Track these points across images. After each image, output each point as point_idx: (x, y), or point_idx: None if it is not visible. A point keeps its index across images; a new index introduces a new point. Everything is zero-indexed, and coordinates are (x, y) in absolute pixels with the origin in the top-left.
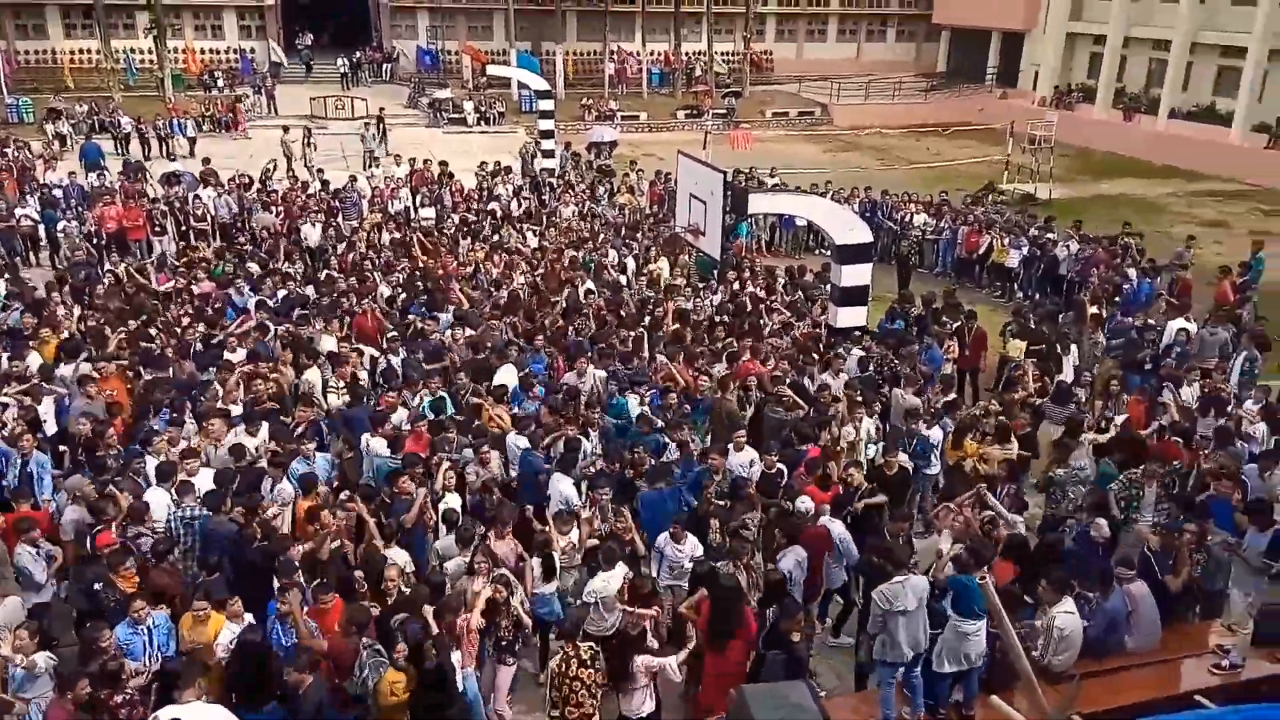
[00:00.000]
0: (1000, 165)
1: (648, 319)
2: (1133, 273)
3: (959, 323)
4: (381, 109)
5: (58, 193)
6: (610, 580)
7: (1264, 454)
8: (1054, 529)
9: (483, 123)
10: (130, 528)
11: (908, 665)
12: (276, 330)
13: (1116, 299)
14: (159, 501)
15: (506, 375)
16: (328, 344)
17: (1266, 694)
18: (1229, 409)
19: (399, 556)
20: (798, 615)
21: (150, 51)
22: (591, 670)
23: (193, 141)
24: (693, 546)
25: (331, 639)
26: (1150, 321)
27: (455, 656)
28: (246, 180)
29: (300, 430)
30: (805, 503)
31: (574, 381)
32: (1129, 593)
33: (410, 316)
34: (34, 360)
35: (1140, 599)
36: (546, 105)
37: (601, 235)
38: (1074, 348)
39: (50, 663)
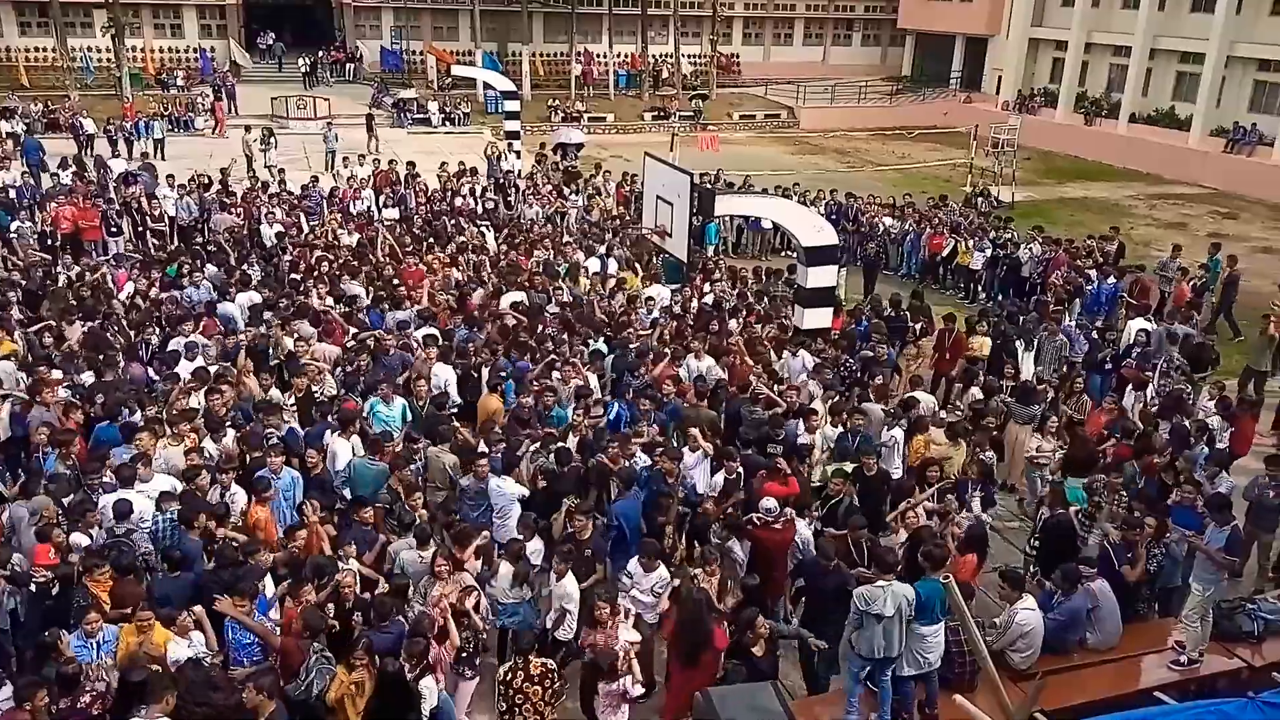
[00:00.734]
0: (964, 169)
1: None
2: (1094, 274)
3: (921, 323)
4: (330, 117)
5: (11, 193)
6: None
7: (1208, 458)
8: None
9: (448, 123)
10: (119, 524)
11: (877, 666)
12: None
13: (1078, 300)
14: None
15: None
16: (287, 345)
17: (1224, 689)
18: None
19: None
20: (757, 623)
21: (108, 50)
22: (539, 688)
23: (159, 143)
24: (660, 578)
25: (284, 638)
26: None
27: (429, 681)
28: (205, 180)
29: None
30: (769, 503)
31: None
32: (1091, 590)
33: (368, 320)
34: None
35: (1102, 596)
36: (512, 106)
37: (569, 238)
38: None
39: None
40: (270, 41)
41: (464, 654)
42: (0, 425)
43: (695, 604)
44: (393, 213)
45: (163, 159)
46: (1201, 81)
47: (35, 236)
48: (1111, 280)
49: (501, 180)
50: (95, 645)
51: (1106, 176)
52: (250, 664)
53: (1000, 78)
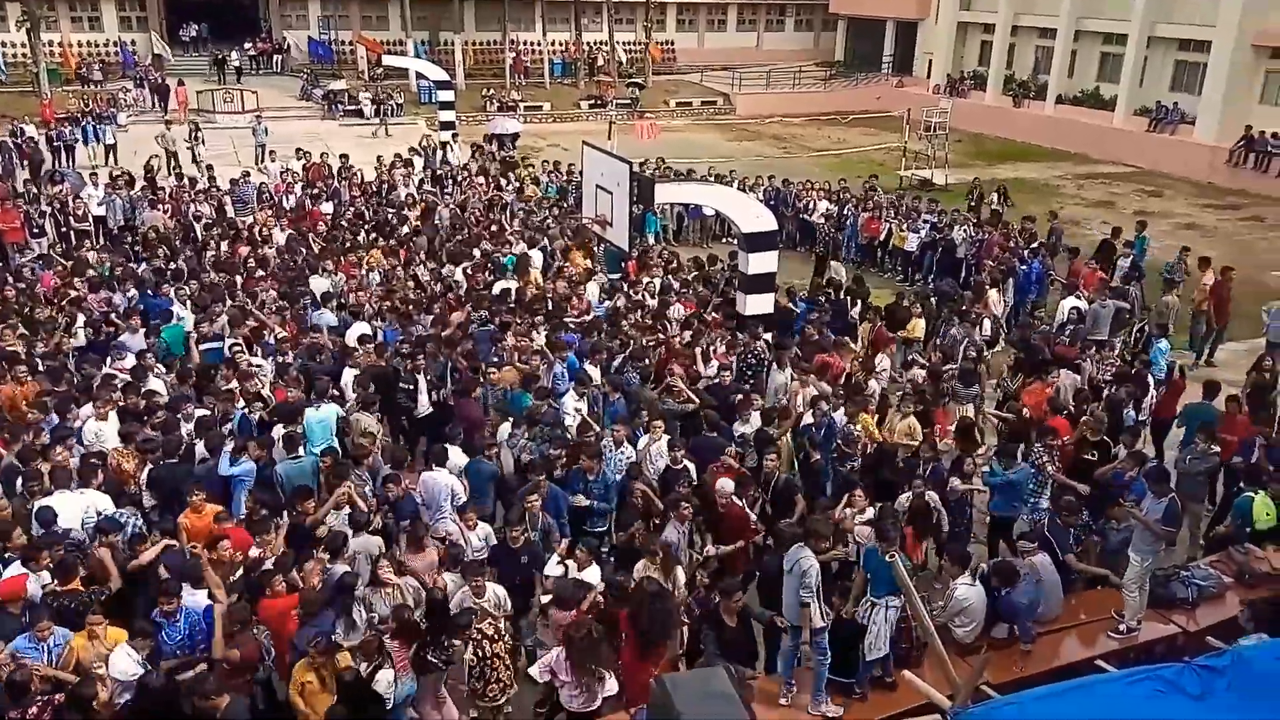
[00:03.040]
0: (899, 152)
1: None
2: (1025, 255)
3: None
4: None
5: None
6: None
7: (1127, 428)
8: None
9: (380, 114)
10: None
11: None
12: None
13: (1010, 280)
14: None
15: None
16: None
17: (1162, 654)
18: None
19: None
20: (735, 595)
21: (24, 45)
22: (501, 642)
23: (111, 149)
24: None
25: (242, 646)
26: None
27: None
28: (129, 178)
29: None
30: (727, 485)
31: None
32: (1033, 564)
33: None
34: None
35: (1044, 569)
36: (446, 96)
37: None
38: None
39: None
40: (194, 34)
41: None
42: None
43: (654, 596)
44: (327, 207)
45: (114, 162)
46: (1124, 62)
47: None
48: (1039, 260)
49: (439, 172)
50: (45, 650)
51: (1036, 157)
52: (177, 655)
53: (931, 61)
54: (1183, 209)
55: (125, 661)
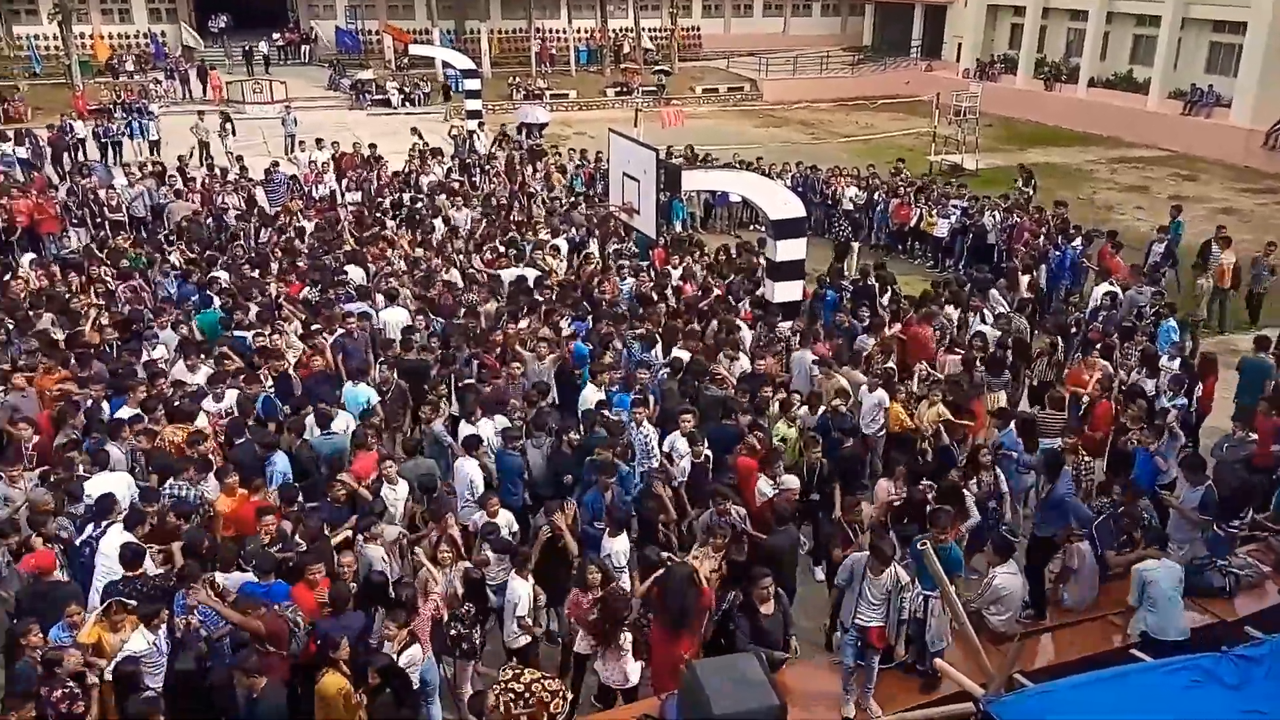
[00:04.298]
0: (928, 137)
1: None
2: (1059, 240)
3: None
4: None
5: None
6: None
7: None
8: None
9: (408, 104)
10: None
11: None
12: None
13: (1042, 266)
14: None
15: None
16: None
17: (1198, 644)
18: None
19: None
20: (761, 581)
21: (56, 38)
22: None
23: (155, 144)
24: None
25: (262, 620)
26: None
27: (412, 652)
28: (160, 169)
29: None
30: (765, 487)
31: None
32: (1076, 550)
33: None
34: None
35: (1084, 556)
36: (473, 85)
37: (537, 217)
38: (985, 313)
39: None
40: (222, 25)
41: (457, 632)
42: None
43: (682, 580)
44: (356, 196)
45: (158, 156)
46: (1158, 44)
47: None
48: (1077, 244)
49: (468, 160)
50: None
51: (1067, 141)
52: (215, 631)
53: (960, 45)
54: (1219, 193)
55: (139, 642)
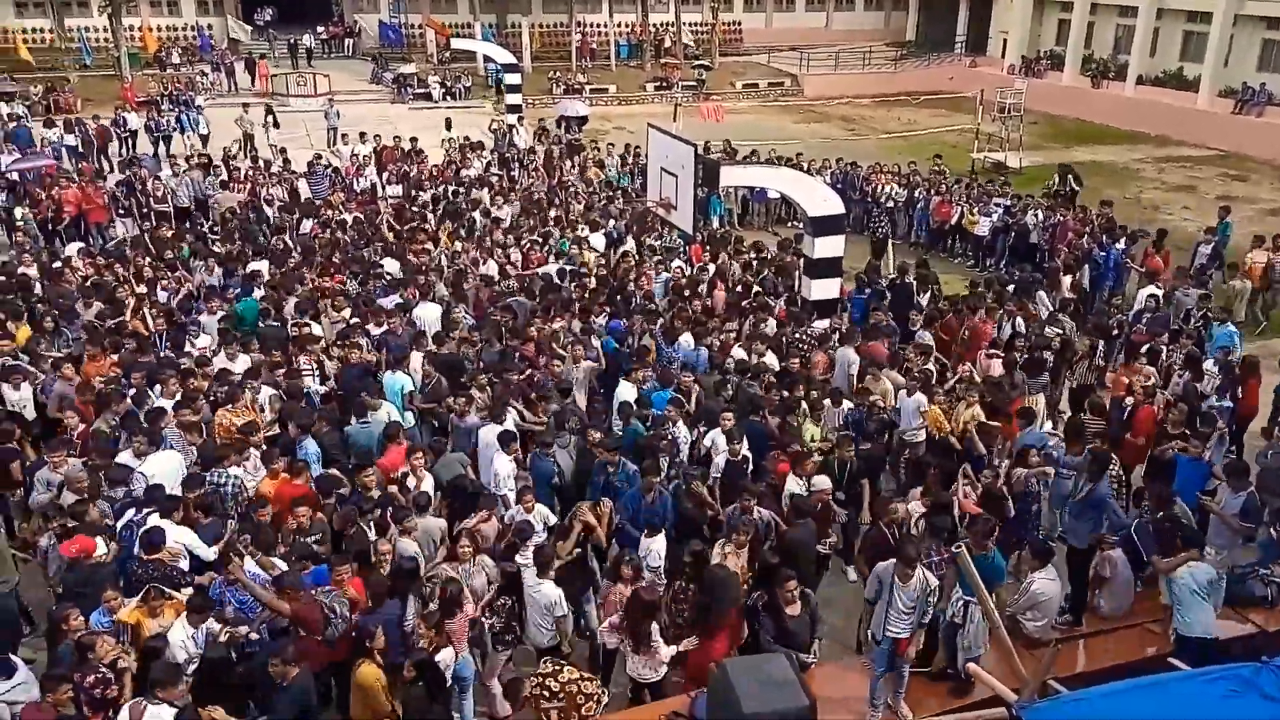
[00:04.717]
0: (971, 134)
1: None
2: (1103, 240)
3: (930, 291)
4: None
5: (14, 176)
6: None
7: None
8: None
9: (449, 98)
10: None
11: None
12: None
13: (1086, 266)
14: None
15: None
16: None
17: (1238, 654)
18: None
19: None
20: (787, 584)
21: (106, 30)
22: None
23: (205, 138)
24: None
25: (294, 604)
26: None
27: (446, 652)
28: (205, 161)
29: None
30: (824, 481)
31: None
32: (1109, 559)
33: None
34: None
35: (1116, 564)
36: (513, 79)
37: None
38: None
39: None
40: (268, 18)
41: (495, 625)
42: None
43: (718, 581)
44: (397, 189)
45: (206, 148)
46: (1209, 41)
47: (34, 222)
48: (1119, 245)
49: (507, 154)
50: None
51: (1114, 139)
52: (249, 618)
53: (1005, 41)
54: (1268, 194)
55: (180, 634)
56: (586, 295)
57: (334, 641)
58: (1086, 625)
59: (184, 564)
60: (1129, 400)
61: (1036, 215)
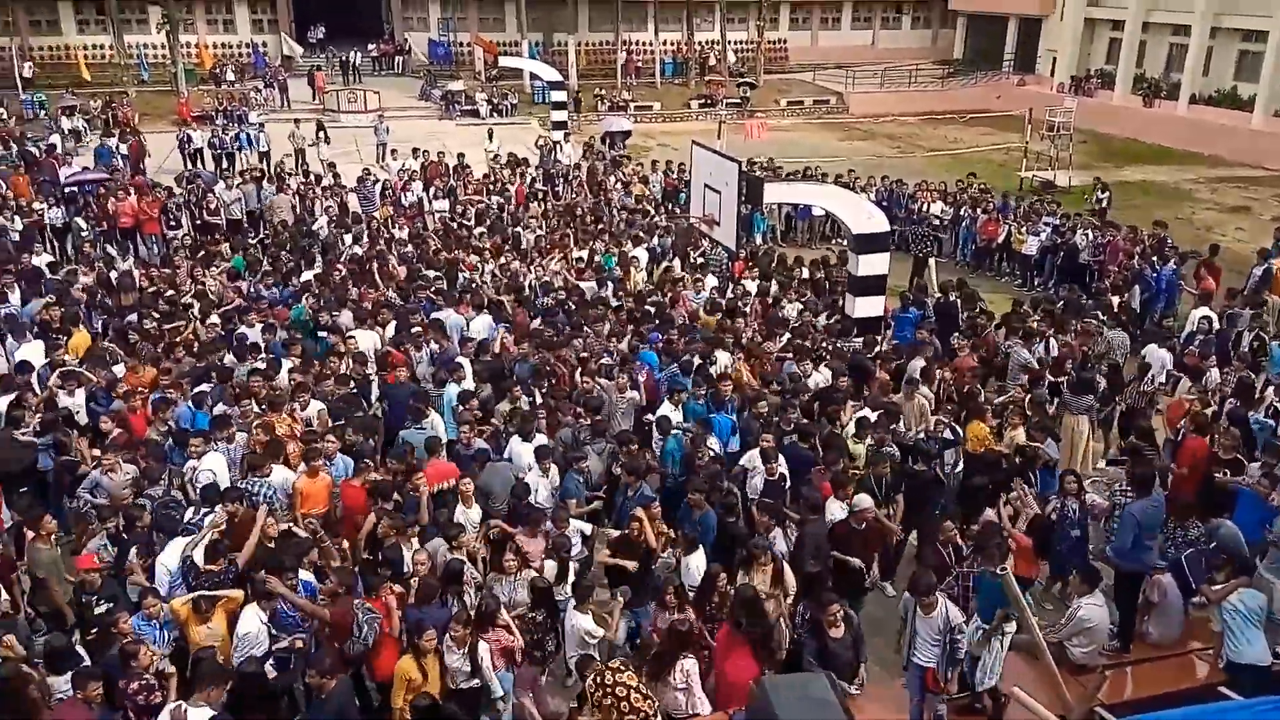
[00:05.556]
0: (1019, 153)
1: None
2: (1155, 261)
3: (973, 311)
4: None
5: (71, 189)
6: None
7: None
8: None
9: (495, 114)
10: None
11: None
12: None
13: (1136, 287)
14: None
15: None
16: (366, 340)
17: None
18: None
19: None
20: (830, 607)
21: (163, 47)
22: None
23: (265, 156)
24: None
25: (332, 609)
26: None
27: (483, 647)
28: (260, 174)
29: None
30: (865, 500)
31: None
32: (1158, 584)
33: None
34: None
35: (1168, 589)
36: (559, 96)
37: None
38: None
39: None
40: (320, 35)
41: (530, 639)
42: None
43: (745, 601)
44: (443, 204)
45: (266, 165)
46: (1265, 60)
47: (92, 231)
48: (1171, 266)
49: (552, 170)
50: (157, 626)
51: (1166, 159)
52: (294, 629)
53: (1055, 59)
54: None
55: (252, 621)
56: (627, 313)
57: (353, 658)
58: (1135, 652)
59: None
60: (1175, 428)
61: (1086, 235)
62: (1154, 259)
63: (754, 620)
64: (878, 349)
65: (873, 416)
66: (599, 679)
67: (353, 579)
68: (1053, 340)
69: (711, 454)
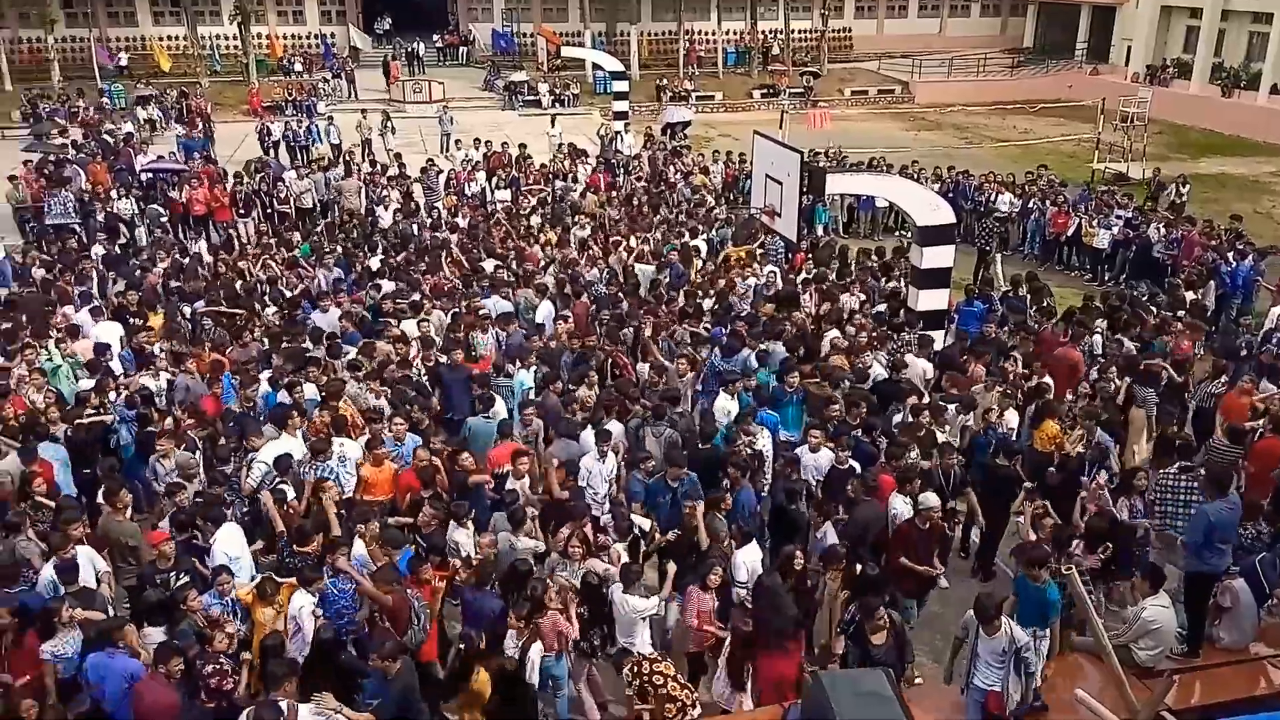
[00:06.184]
0: (1091, 144)
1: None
2: (1231, 256)
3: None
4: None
5: (146, 176)
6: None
7: None
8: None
9: (558, 105)
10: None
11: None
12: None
13: (1211, 283)
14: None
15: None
16: (430, 324)
17: None
18: None
19: (460, 535)
20: (875, 613)
21: (234, 38)
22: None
23: (337, 148)
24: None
25: (393, 594)
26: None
27: (535, 648)
28: (325, 164)
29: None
30: (930, 499)
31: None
32: (1230, 588)
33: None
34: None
35: (1240, 594)
36: (621, 86)
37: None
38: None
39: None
40: (387, 26)
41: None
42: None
43: (773, 591)
44: (505, 194)
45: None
46: None
47: (164, 219)
48: (1249, 261)
49: (613, 160)
50: (230, 604)
51: (1245, 151)
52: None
53: (1129, 48)
54: None
55: (303, 600)
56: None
57: (411, 647)
58: (1205, 657)
59: None
60: (1249, 427)
61: (1159, 229)
62: (1230, 254)
63: (777, 613)
64: (968, 342)
65: (951, 409)
66: (635, 669)
67: (395, 574)
68: (1097, 337)
69: (750, 450)
